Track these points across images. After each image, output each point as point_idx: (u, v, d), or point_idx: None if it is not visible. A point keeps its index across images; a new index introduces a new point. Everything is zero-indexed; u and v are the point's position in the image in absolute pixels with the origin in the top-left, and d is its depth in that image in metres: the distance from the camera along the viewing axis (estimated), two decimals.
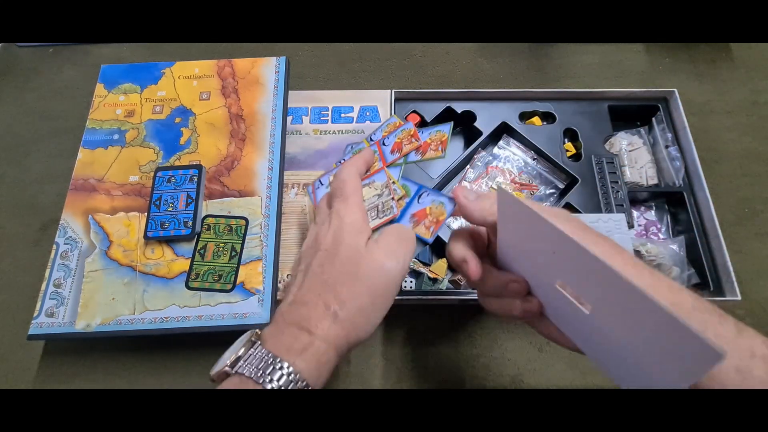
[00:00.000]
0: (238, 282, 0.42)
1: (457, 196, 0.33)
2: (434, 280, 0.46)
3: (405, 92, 0.52)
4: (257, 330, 0.29)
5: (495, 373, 0.43)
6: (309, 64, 0.59)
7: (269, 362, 0.26)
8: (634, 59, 0.58)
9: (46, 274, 0.43)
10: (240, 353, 0.27)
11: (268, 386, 0.25)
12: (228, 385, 0.27)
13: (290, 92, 0.52)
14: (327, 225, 0.32)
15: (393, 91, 0.52)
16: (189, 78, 0.52)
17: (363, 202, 0.33)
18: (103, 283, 0.43)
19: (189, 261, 0.43)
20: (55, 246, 0.44)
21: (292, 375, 0.26)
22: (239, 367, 0.26)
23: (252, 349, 0.27)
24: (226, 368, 0.27)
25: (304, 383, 0.26)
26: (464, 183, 0.50)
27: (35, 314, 0.42)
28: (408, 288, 0.46)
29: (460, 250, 0.32)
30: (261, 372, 0.26)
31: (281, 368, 0.26)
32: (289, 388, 0.26)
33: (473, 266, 0.31)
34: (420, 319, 0.46)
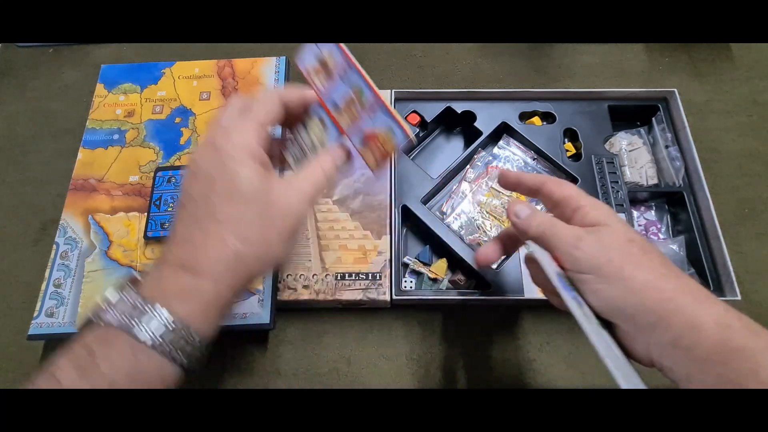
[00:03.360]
0: None
1: (508, 213, 0.33)
2: (434, 280, 0.46)
3: (405, 92, 0.52)
4: (134, 275, 0.27)
5: (495, 373, 0.43)
6: None
7: (141, 308, 0.24)
8: (634, 59, 0.58)
9: (46, 274, 0.43)
10: (109, 299, 0.25)
11: (140, 336, 0.23)
12: (92, 338, 0.24)
13: None
14: (212, 145, 0.28)
15: (393, 91, 0.52)
16: (189, 78, 0.52)
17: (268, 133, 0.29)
18: (103, 283, 0.43)
19: None
20: (55, 246, 0.44)
21: (169, 321, 0.24)
22: (106, 316, 0.24)
23: (122, 294, 0.25)
24: (90, 316, 0.24)
25: (186, 330, 0.24)
26: (465, 182, 0.50)
27: (35, 314, 0.42)
28: (408, 288, 0.46)
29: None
30: (129, 320, 0.24)
31: (156, 314, 0.24)
32: (163, 335, 0.24)
33: (481, 250, 0.35)
34: (420, 319, 0.46)
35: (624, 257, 0.28)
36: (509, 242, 0.36)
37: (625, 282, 0.27)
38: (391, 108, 0.28)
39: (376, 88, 0.29)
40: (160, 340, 0.24)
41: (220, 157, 0.27)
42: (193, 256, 0.26)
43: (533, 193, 0.34)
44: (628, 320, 0.28)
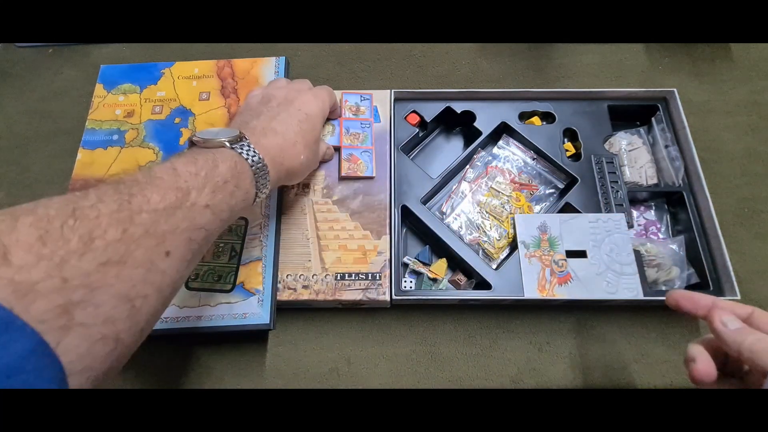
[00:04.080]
0: (237, 282, 0.42)
1: (712, 320, 0.30)
2: (434, 280, 0.46)
3: (405, 92, 0.52)
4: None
5: (495, 373, 0.43)
6: (309, 64, 0.59)
7: (247, 142, 0.35)
8: (634, 59, 0.58)
9: None
10: (228, 134, 0.34)
11: (244, 155, 0.33)
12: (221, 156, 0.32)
13: None
14: (296, 90, 0.43)
15: (393, 91, 0.52)
16: (188, 78, 0.52)
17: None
18: None
19: None
20: None
21: (260, 157, 0.34)
22: (224, 141, 0.33)
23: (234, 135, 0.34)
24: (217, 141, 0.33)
25: (265, 168, 0.35)
26: (464, 182, 0.50)
27: None
28: (408, 288, 0.46)
29: (694, 349, 0.31)
30: (237, 144, 0.34)
31: (253, 151, 0.34)
32: (256, 161, 0.34)
33: (701, 367, 0.30)
34: (420, 319, 0.46)
35: None
36: (715, 352, 0.31)
37: None
38: (374, 156, 0.49)
39: (373, 139, 0.50)
40: (254, 162, 0.34)
41: (309, 100, 0.42)
42: (273, 142, 0.37)
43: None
44: None
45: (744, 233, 0.48)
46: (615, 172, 0.48)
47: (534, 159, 0.51)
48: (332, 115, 0.49)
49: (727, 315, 0.30)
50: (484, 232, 0.47)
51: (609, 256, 0.43)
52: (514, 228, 0.46)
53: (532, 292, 0.43)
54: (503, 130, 0.52)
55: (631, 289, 0.42)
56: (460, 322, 0.46)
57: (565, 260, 0.44)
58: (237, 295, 0.42)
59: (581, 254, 0.44)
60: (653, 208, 0.50)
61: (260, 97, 0.42)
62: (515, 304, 0.45)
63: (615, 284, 0.42)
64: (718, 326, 0.30)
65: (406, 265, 0.47)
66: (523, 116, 0.52)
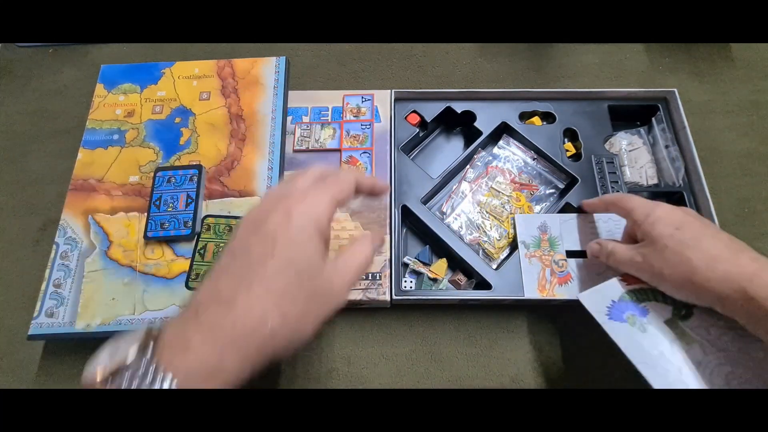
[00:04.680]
0: None
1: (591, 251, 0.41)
2: (434, 280, 0.46)
3: (405, 92, 0.52)
4: (154, 330, 0.25)
5: (495, 373, 0.43)
6: (309, 64, 0.59)
7: (152, 377, 0.22)
8: (634, 59, 0.58)
9: (46, 274, 0.43)
10: (127, 359, 0.23)
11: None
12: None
13: (290, 92, 0.52)
14: (284, 208, 0.26)
15: (393, 91, 0.52)
16: (189, 78, 0.52)
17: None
18: (103, 284, 0.43)
19: (189, 261, 0.43)
20: (55, 246, 0.44)
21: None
22: (117, 379, 0.23)
23: (139, 354, 0.23)
24: (97, 377, 0.23)
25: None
26: (465, 182, 0.50)
27: (35, 314, 0.42)
28: (408, 288, 0.46)
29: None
30: (138, 385, 0.22)
31: (165, 386, 0.22)
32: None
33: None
34: (420, 319, 0.46)
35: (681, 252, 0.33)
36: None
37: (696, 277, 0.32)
38: (374, 157, 0.49)
39: (373, 139, 0.50)
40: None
41: (290, 225, 0.26)
42: (230, 322, 0.24)
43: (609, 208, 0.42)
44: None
45: (744, 233, 0.48)
46: (615, 172, 0.48)
47: (534, 159, 0.51)
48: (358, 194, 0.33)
49: (594, 248, 0.41)
50: (484, 232, 0.47)
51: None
52: (515, 228, 0.46)
53: (532, 292, 0.43)
54: (503, 130, 0.52)
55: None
56: (460, 322, 0.45)
57: (566, 260, 0.44)
58: None
59: (582, 254, 0.44)
60: None
61: (243, 237, 0.27)
62: (515, 304, 0.45)
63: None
64: (601, 260, 0.40)
65: (406, 265, 0.47)
66: (524, 116, 0.52)
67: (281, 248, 0.25)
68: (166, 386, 0.22)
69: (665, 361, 0.34)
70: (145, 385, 0.22)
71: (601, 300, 0.37)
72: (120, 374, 0.23)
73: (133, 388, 0.22)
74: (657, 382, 0.33)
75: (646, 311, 0.36)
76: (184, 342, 0.24)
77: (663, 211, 0.35)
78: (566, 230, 0.45)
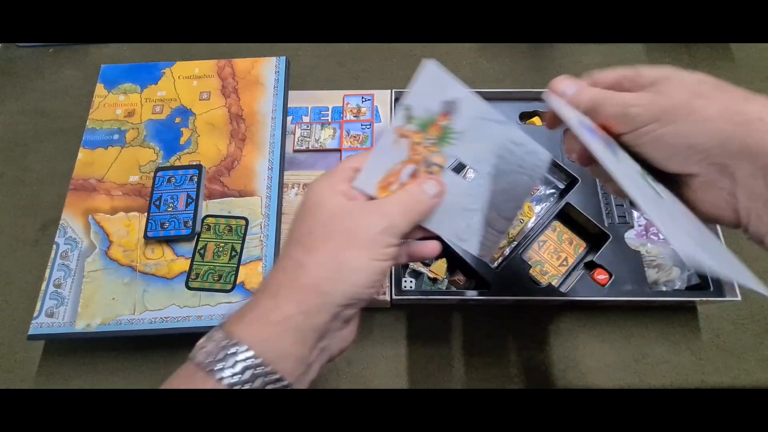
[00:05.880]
0: (238, 282, 0.42)
1: (553, 92, 0.28)
2: (434, 280, 0.46)
3: (405, 92, 0.52)
4: (232, 314, 0.26)
5: (495, 373, 0.43)
6: (309, 64, 0.59)
7: (223, 346, 0.24)
8: (634, 59, 0.58)
9: (46, 274, 0.43)
10: (201, 341, 0.25)
11: (219, 376, 0.23)
12: (182, 374, 0.25)
13: (290, 92, 0.52)
14: (309, 189, 0.28)
15: (393, 91, 0.52)
16: (189, 78, 0.52)
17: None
18: (103, 283, 0.43)
19: (189, 261, 0.43)
20: (55, 246, 0.44)
21: (250, 360, 0.23)
22: (197, 356, 0.24)
23: (216, 332, 0.25)
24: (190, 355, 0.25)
25: (265, 368, 0.23)
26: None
27: (35, 314, 0.42)
28: (408, 288, 0.46)
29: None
30: (212, 359, 0.23)
31: (236, 353, 0.23)
32: (245, 378, 0.23)
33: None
34: (420, 319, 0.46)
35: (692, 94, 0.24)
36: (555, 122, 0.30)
37: (695, 114, 0.23)
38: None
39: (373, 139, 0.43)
40: (240, 383, 0.23)
41: (308, 195, 0.28)
42: (277, 282, 0.26)
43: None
44: (703, 161, 0.24)
45: (743, 233, 0.48)
46: None
47: None
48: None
49: (565, 82, 0.28)
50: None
51: (497, 196, 0.31)
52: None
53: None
54: None
55: (484, 246, 0.31)
56: (460, 322, 0.45)
57: (443, 169, 0.29)
58: (237, 294, 0.42)
59: (463, 173, 0.33)
60: None
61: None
62: (515, 304, 0.45)
63: (474, 232, 0.30)
64: (555, 96, 0.29)
65: (406, 265, 0.47)
66: (524, 116, 0.52)
67: (304, 212, 0.27)
68: (240, 354, 0.23)
69: (641, 185, 0.25)
70: (221, 357, 0.23)
71: (572, 112, 0.28)
72: (198, 352, 0.24)
73: (211, 361, 0.23)
74: (633, 191, 0.23)
75: (616, 149, 0.27)
76: (251, 311, 0.25)
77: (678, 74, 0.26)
78: (477, 131, 0.29)
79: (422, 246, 0.31)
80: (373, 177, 0.28)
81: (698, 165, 0.24)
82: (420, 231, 0.30)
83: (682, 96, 0.24)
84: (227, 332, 0.24)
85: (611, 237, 0.45)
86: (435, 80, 0.28)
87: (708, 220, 0.26)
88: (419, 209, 0.28)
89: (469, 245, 0.30)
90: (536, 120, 0.52)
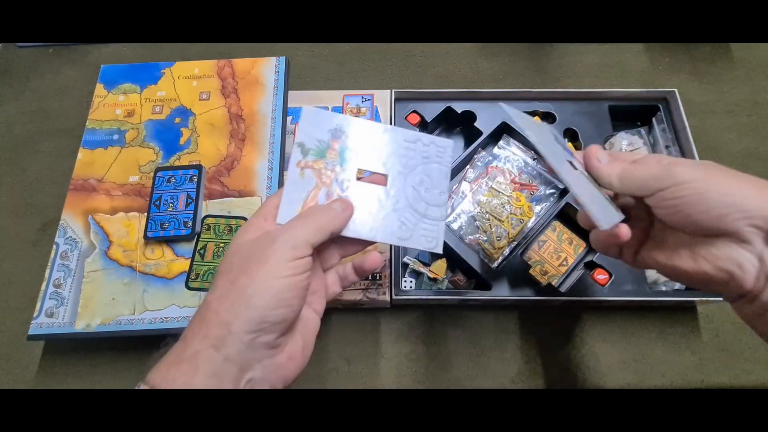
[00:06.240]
0: None
1: (589, 159, 0.31)
2: (434, 280, 0.46)
3: (405, 92, 0.52)
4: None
5: (495, 373, 0.43)
6: (309, 64, 0.59)
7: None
8: (634, 59, 0.58)
9: (46, 274, 0.43)
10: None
11: None
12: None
13: (290, 92, 0.52)
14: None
15: (393, 91, 0.52)
16: (189, 78, 0.52)
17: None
18: (103, 284, 0.43)
19: (189, 261, 0.43)
20: (55, 246, 0.44)
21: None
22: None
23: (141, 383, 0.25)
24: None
25: None
26: (465, 182, 0.50)
27: (35, 314, 0.42)
28: (408, 288, 0.46)
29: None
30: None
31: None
32: None
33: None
34: (420, 319, 0.46)
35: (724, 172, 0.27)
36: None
37: (739, 176, 0.26)
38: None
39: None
40: None
41: (234, 241, 0.29)
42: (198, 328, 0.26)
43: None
44: (742, 219, 0.25)
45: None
46: None
47: (534, 159, 0.51)
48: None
49: (601, 152, 0.31)
50: (485, 232, 0.47)
51: (416, 189, 0.32)
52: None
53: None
54: (504, 130, 0.52)
55: (429, 238, 0.31)
56: (459, 322, 0.45)
57: (352, 182, 0.32)
58: None
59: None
60: None
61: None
62: (515, 304, 0.45)
63: (411, 228, 0.31)
64: (593, 163, 0.31)
65: (406, 265, 0.47)
66: None
67: (226, 257, 0.29)
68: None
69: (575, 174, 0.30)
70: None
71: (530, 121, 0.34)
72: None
73: None
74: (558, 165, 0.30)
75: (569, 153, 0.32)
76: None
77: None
78: (368, 143, 0.32)
79: (363, 260, 0.32)
80: (292, 209, 0.30)
81: (737, 223, 0.25)
82: (360, 244, 0.32)
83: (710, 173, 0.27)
84: (146, 380, 0.25)
85: None
86: (315, 117, 0.32)
87: (715, 288, 0.28)
88: (323, 216, 0.29)
89: (412, 242, 0.31)
90: (536, 120, 0.52)
